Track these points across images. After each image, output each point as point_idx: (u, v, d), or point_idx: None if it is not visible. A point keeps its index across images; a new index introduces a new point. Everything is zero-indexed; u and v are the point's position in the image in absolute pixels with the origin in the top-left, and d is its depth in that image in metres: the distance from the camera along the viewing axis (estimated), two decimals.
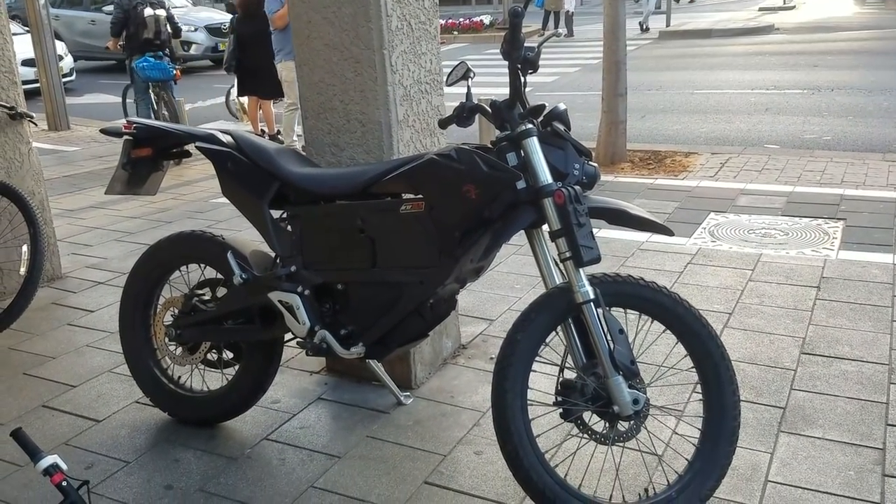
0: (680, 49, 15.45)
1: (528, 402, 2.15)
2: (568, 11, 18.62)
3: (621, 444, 2.22)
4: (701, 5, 26.38)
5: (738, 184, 5.68)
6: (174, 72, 7.70)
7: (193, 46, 15.73)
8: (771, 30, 17.47)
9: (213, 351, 2.77)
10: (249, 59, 7.84)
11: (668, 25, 18.87)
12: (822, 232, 4.53)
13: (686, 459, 2.22)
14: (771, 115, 8.64)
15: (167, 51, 7.70)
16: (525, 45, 2.17)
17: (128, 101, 8.63)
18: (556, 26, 18.35)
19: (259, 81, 7.94)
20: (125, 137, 2.69)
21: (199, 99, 11.71)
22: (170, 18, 7.81)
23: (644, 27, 18.73)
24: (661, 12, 20.11)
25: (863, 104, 8.89)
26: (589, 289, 2.09)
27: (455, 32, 20.11)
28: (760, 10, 22.63)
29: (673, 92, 10.58)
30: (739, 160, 6.43)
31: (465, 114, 2.31)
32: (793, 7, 22.55)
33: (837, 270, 3.93)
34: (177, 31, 8.05)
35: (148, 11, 7.53)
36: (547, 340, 2.18)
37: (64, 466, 2.00)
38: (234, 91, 8.31)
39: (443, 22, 16.59)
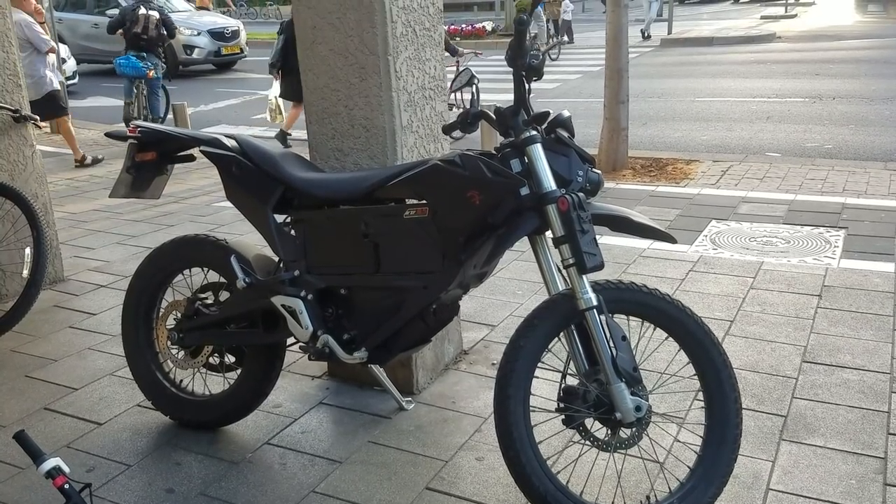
0: (682, 57, 15.49)
1: (531, 408, 2.15)
2: (565, 20, 18.62)
3: (623, 451, 2.22)
4: (700, 13, 26.43)
5: (739, 192, 5.69)
6: (146, 70, 8.47)
7: (196, 50, 15.77)
8: (772, 38, 17.50)
9: (216, 355, 2.77)
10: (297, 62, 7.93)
11: (669, 33, 18.92)
12: (824, 240, 4.53)
13: (688, 467, 2.22)
14: (772, 124, 8.65)
15: (159, 49, 8.72)
16: (530, 52, 2.17)
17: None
18: (557, 34, 18.38)
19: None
20: (130, 141, 2.69)
21: (201, 103, 11.74)
22: (165, 23, 8.70)
23: (646, 34, 18.77)
24: (663, 20, 20.16)
25: (864, 113, 8.90)
26: (592, 295, 2.10)
27: (458, 38, 20.15)
28: (762, 18, 22.69)
29: (674, 99, 10.60)
30: (741, 168, 6.44)
31: (469, 120, 2.32)
32: (794, 16, 22.62)
33: (839, 279, 3.94)
34: (171, 33, 8.95)
35: (142, 11, 8.50)
36: (549, 347, 2.19)
37: (66, 469, 2.01)
38: (273, 91, 8.51)
39: (445, 28, 16.65)
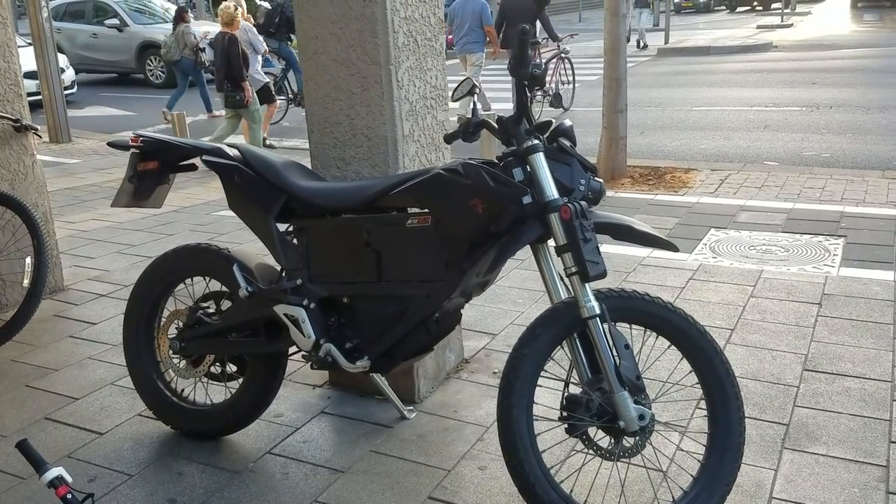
0: (678, 66, 15.55)
1: (534, 417, 2.15)
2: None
3: (626, 460, 2.22)
4: (696, 22, 26.55)
5: (738, 200, 5.71)
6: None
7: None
8: (769, 47, 17.61)
9: (217, 364, 2.77)
10: None
11: (666, 42, 19.00)
12: (823, 249, 4.54)
13: (691, 475, 2.23)
14: (770, 133, 8.68)
15: (272, 32, 10.60)
16: (532, 62, 2.19)
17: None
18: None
19: None
20: (132, 150, 2.70)
21: (200, 112, 11.74)
22: (283, 11, 10.45)
23: (641, 45, 18.83)
24: (660, 29, 20.24)
25: (861, 121, 8.94)
26: (595, 304, 2.10)
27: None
28: (758, 27, 22.82)
29: (672, 108, 10.63)
30: (739, 177, 6.45)
31: (471, 129, 2.32)
32: (791, 25, 22.75)
33: (839, 287, 3.94)
34: (286, 20, 10.59)
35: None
36: (552, 355, 2.19)
37: (69, 479, 1.99)
38: None
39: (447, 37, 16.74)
